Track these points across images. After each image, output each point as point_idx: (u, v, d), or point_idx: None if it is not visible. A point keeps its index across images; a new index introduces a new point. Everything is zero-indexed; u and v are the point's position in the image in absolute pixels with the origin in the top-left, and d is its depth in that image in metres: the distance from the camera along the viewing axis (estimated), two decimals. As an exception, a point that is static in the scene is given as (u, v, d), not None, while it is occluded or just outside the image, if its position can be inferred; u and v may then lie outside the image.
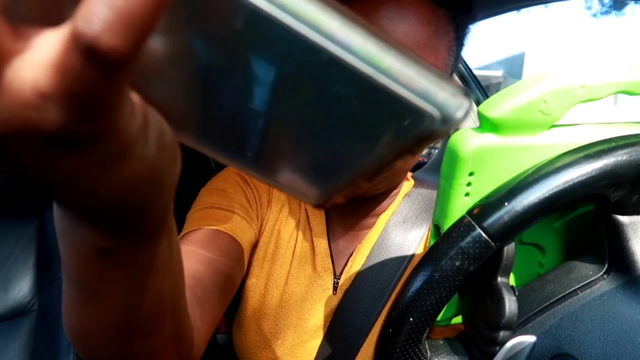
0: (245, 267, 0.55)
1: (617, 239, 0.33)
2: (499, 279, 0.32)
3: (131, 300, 0.22)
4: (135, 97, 0.14)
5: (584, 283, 0.34)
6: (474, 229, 0.29)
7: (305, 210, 0.60)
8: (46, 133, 0.11)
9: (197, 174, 0.79)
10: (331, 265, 0.58)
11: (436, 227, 0.36)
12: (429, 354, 0.35)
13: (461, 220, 0.31)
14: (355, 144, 0.16)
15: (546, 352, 0.32)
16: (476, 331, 0.34)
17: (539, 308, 0.34)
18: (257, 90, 0.15)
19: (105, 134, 0.13)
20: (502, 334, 0.31)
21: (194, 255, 0.43)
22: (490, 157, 0.33)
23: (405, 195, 0.60)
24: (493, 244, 0.29)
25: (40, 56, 0.11)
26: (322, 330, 0.57)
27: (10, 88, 0.11)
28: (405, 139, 0.15)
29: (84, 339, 0.24)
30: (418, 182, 0.62)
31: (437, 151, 0.88)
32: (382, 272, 0.55)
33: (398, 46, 0.13)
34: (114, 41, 0.10)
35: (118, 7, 0.10)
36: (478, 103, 1.07)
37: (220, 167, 0.64)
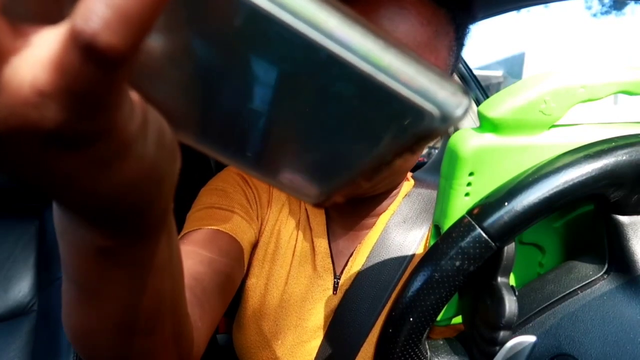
0: (245, 267, 0.55)
1: (617, 239, 0.33)
2: (499, 279, 0.32)
3: (131, 300, 0.22)
4: (134, 96, 0.14)
5: (584, 283, 0.34)
6: (474, 229, 0.29)
7: (306, 210, 0.60)
8: (45, 131, 0.11)
9: (197, 174, 0.78)
10: (331, 265, 0.58)
11: (436, 227, 0.36)
12: (429, 354, 0.35)
13: (461, 220, 0.31)
14: (355, 142, 0.16)
15: (546, 352, 0.32)
16: (476, 331, 0.34)
17: (539, 308, 0.34)
18: (257, 89, 0.15)
19: (105, 133, 0.13)
20: (502, 334, 0.31)
21: (194, 255, 0.43)
22: (490, 157, 0.33)
23: (406, 195, 0.60)
24: (493, 244, 0.29)
25: (39, 54, 0.11)
26: (322, 330, 0.57)
27: (9, 86, 0.11)
28: (405, 138, 0.15)
29: (84, 339, 0.24)
30: (418, 182, 0.62)
31: (437, 151, 0.88)
32: (382, 272, 0.55)
33: (397, 44, 0.13)
34: (112, 39, 0.10)
35: (116, 5, 0.10)
36: (478, 103, 1.07)
37: (220, 167, 0.64)
